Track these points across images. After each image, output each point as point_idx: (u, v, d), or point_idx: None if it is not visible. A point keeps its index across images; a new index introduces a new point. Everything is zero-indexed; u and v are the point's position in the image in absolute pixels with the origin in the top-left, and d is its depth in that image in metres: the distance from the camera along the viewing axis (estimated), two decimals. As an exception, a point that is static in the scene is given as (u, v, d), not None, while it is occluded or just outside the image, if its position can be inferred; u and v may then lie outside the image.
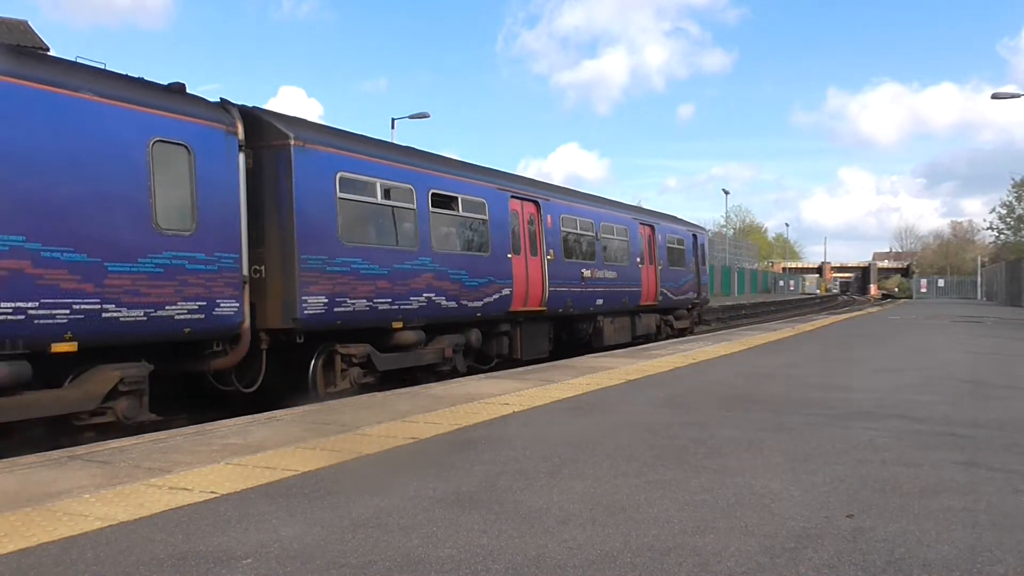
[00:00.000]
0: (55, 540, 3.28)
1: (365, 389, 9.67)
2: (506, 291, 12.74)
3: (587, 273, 15.80)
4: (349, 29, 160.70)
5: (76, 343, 6.62)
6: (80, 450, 5.33)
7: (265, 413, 6.99)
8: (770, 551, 3.17)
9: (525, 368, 11.23)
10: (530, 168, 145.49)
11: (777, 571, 2.96)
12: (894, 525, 3.51)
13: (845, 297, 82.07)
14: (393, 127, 29.42)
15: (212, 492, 4.04)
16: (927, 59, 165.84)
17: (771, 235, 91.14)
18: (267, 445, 5.27)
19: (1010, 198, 52.79)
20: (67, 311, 6.56)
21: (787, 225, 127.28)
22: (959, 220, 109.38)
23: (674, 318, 20.63)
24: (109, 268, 6.95)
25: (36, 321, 6.35)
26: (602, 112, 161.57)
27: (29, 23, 24.58)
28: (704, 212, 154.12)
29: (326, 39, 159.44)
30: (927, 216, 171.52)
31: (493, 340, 12.98)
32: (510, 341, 13.40)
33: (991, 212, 56.67)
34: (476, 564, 3.04)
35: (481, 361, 12.86)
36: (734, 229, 72.28)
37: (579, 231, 15.77)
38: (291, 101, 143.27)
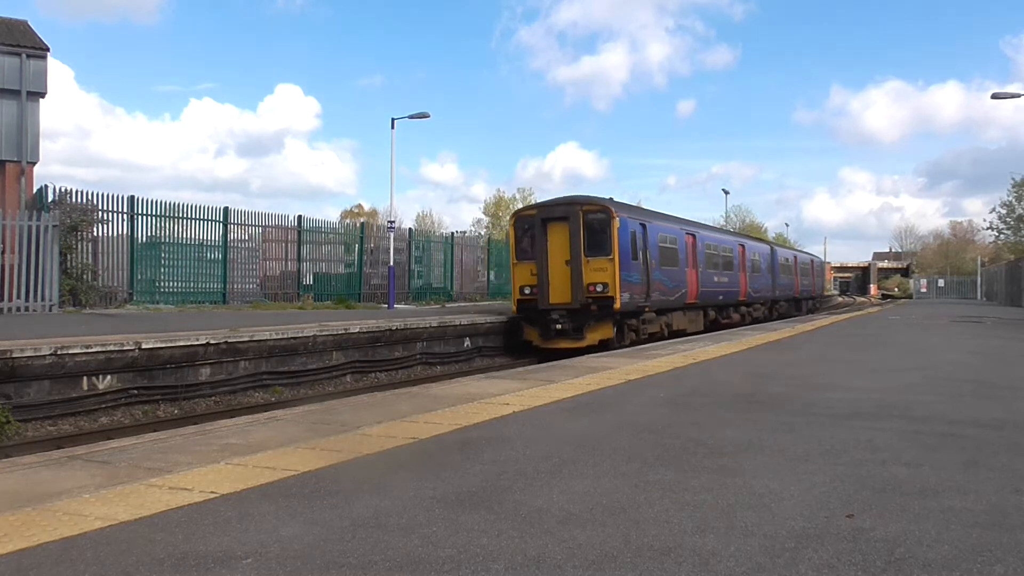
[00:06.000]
0: (55, 540, 3.28)
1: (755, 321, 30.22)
2: (790, 292, 37.59)
3: (806, 282, 42.68)
4: (344, 25, 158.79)
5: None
6: (80, 450, 5.34)
7: (265, 413, 6.99)
8: (770, 551, 3.17)
9: (525, 368, 11.24)
10: (529, 168, 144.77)
11: (777, 571, 2.96)
12: (894, 525, 3.51)
13: (845, 297, 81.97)
14: (393, 127, 29.40)
15: (212, 492, 4.04)
16: (932, 57, 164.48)
17: (771, 234, 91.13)
18: (267, 445, 5.27)
19: (1010, 198, 52.72)
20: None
21: (787, 225, 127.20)
22: (959, 220, 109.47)
23: (814, 302, 45.12)
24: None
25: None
26: (602, 109, 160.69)
27: (29, 23, 24.60)
28: (704, 212, 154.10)
29: (321, 35, 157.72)
30: (929, 216, 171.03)
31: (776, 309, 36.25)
32: (786, 309, 37.63)
33: (991, 212, 56.53)
34: (476, 564, 3.03)
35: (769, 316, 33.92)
36: (734, 229, 72.11)
37: (789, 261, 38.30)
38: (288, 99, 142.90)
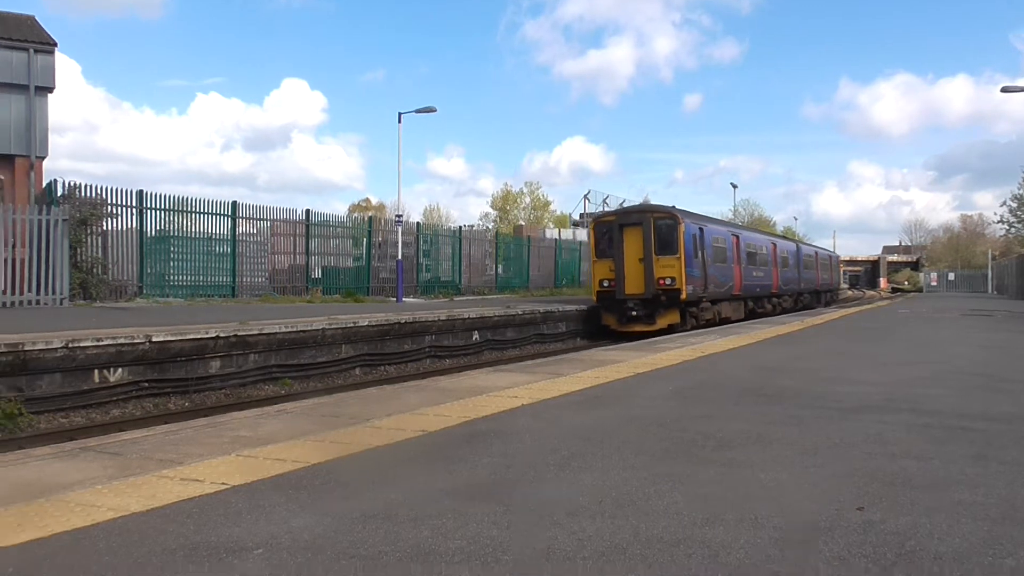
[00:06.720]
0: (68, 530, 3.30)
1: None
2: (812, 285, 42.47)
3: (825, 276, 46.63)
4: (349, 18, 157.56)
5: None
6: (92, 442, 5.37)
7: (275, 405, 7.03)
8: (780, 543, 3.17)
9: (534, 361, 11.25)
10: (535, 162, 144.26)
11: (787, 563, 2.96)
12: (904, 518, 3.51)
13: (855, 291, 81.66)
14: (400, 121, 29.45)
15: (223, 483, 4.06)
16: (942, 50, 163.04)
17: (780, 228, 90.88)
18: (277, 437, 5.29)
19: (1020, 191, 52.45)
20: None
21: (796, 219, 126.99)
22: (969, 213, 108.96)
23: (832, 294, 49.00)
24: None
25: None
26: (608, 103, 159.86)
27: (36, 18, 24.68)
28: (712, 206, 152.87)
29: (326, 29, 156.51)
30: (939, 209, 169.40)
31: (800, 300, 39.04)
32: (808, 301, 39.98)
33: (1001, 205, 56.34)
34: (486, 556, 3.04)
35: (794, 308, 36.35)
36: (742, 223, 72.01)
37: (811, 257, 42.83)
38: (295, 93, 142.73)
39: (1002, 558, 3.02)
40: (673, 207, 24.97)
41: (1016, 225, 53.77)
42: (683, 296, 22.57)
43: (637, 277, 22.76)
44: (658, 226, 22.95)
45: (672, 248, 22.72)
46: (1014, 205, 53.00)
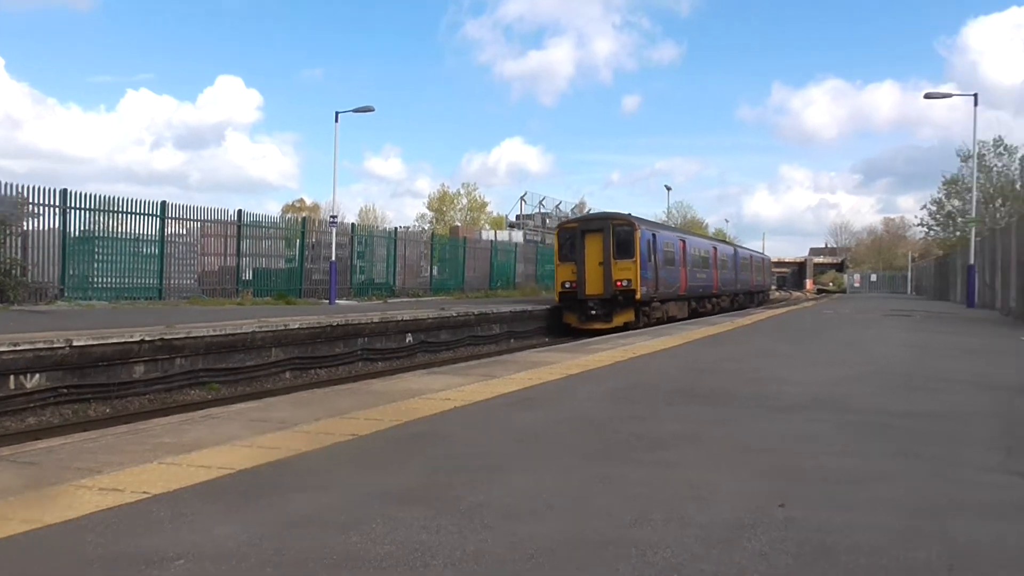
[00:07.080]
0: (-24, 545, 3.15)
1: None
2: (747, 286, 46.41)
3: (759, 278, 51.41)
4: (286, 15, 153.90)
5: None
6: (5, 451, 5.15)
7: (201, 411, 6.85)
8: (705, 541, 3.22)
9: (467, 363, 11.22)
10: (473, 163, 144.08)
11: (712, 560, 3.01)
12: (824, 513, 3.60)
13: (782, 292, 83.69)
14: (337, 120, 29.11)
15: (144, 492, 3.93)
16: (871, 56, 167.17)
17: (712, 230, 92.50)
18: (202, 444, 5.16)
19: (940, 195, 54.47)
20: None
21: (727, 221, 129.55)
22: (892, 216, 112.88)
23: (764, 295, 51.78)
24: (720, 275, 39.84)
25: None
26: (547, 104, 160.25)
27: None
28: (646, 207, 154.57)
29: (262, 26, 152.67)
30: (863, 212, 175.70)
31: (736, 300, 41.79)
32: (743, 302, 43.37)
33: (922, 209, 58.44)
34: (415, 560, 3.02)
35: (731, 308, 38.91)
36: (675, 225, 73.09)
37: (747, 260, 46.77)
38: (229, 91, 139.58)
39: (914, 551, 3.12)
40: (630, 215, 27.22)
41: (935, 228, 55.77)
42: (638, 296, 24.95)
43: (597, 279, 24.93)
44: (617, 232, 25.26)
45: (629, 252, 25.03)
46: (933, 208, 54.99)
